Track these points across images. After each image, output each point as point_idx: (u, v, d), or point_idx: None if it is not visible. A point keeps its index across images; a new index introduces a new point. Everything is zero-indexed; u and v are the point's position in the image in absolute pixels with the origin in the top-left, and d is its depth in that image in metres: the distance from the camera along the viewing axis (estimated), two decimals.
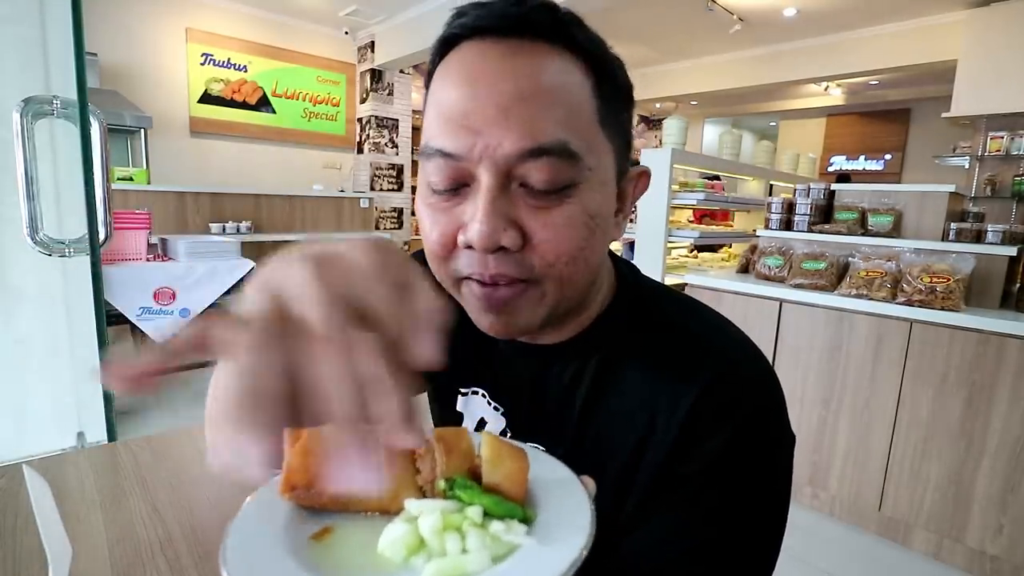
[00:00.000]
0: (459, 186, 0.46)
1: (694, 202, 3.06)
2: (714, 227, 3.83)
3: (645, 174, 0.55)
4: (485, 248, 0.44)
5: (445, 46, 0.48)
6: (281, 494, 0.36)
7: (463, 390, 0.63)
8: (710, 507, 0.47)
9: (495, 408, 0.60)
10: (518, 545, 0.33)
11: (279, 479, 0.37)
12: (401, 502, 0.36)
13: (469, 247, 0.45)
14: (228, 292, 3.16)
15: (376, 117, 6.48)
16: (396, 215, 6.82)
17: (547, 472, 0.39)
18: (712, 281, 2.55)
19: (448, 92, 0.45)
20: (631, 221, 3.17)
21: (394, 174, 6.76)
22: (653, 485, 0.49)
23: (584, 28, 0.47)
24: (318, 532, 0.35)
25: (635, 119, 0.56)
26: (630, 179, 0.54)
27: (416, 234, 7.25)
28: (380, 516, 0.37)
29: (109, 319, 2.33)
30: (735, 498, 0.47)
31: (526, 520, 0.35)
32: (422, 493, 0.37)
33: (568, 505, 0.37)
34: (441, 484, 0.36)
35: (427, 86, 0.50)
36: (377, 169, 6.58)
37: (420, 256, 0.72)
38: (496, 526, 0.33)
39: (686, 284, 2.65)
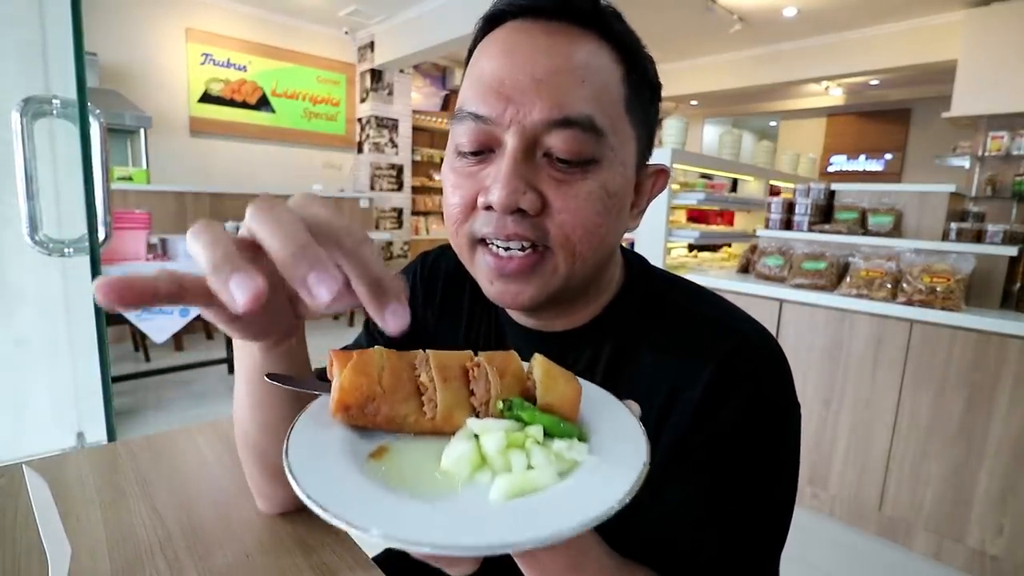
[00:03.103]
0: (485, 151, 0.48)
1: (694, 202, 3.06)
2: (714, 227, 3.83)
3: (664, 172, 0.56)
4: (504, 207, 0.45)
5: (489, 24, 0.50)
6: (333, 414, 0.36)
7: None
8: (728, 471, 0.49)
9: None
10: (580, 462, 0.33)
11: (326, 399, 0.38)
12: (454, 423, 0.36)
13: (488, 208, 0.47)
14: None
15: (376, 117, 6.48)
16: (396, 215, 6.82)
17: (590, 396, 0.39)
18: (712, 281, 2.55)
19: (487, 62, 0.47)
20: None
21: (394, 174, 6.76)
22: (670, 459, 0.50)
23: (621, 20, 0.50)
24: (375, 451, 0.35)
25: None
26: (648, 174, 0.55)
27: (416, 234, 7.27)
28: (433, 437, 0.36)
29: (109, 319, 2.33)
30: (751, 462, 0.49)
31: (582, 439, 0.35)
32: (476, 414, 0.37)
33: (618, 425, 0.37)
34: (499, 405, 0.36)
35: (467, 62, 0.52)
36: (377, 169, 6.58)
37: (418, 261, 0.72)
38: (558, 444, 0.34)
39: None
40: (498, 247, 0.48)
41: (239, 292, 0.27)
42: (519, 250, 0.47)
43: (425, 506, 0.29)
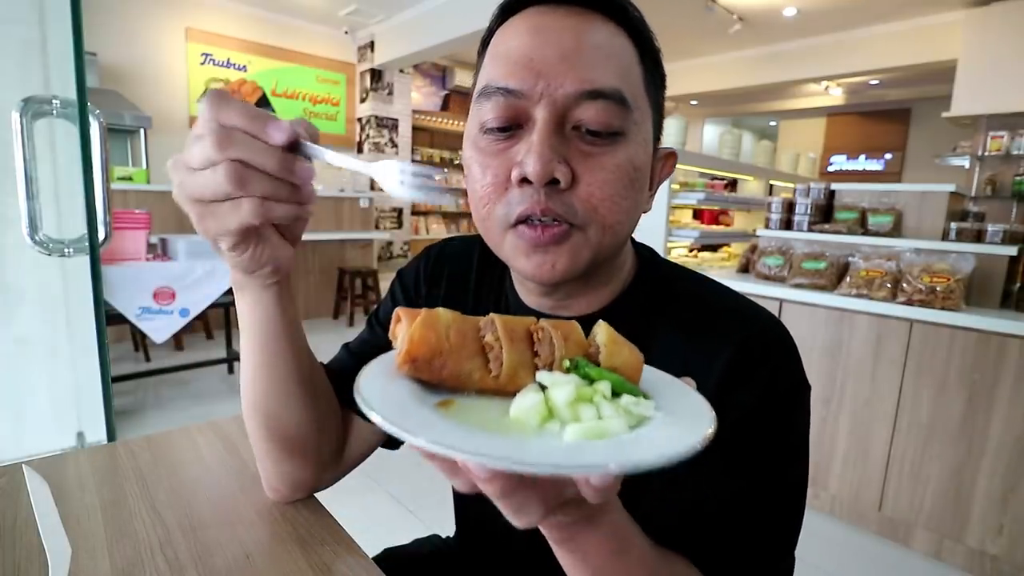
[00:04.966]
0: (513, 127, 0.48)
1: (694, 202, 3.06)
2: (714, 227, 3.84)
3: (672, 155, 0.58)
4: (540, 178, 0.46)
5: (507, 11, 0.51)
6: (399, 367, 0.36)
7: None
8: (747, 455, 0.49)
9: None
10: (649, 417, 0.33)
11: (389, 357, 0.39)
12: (519, 382, 0.36)
13: (523, 181, 0.47)
14: (228, 291, 3.16)
15: (376, 117, 6.48)
16: (396, 215, 6.82)
17: (646, 372, 0.40)
18: None
19: (513, 41, 0.49)
20: None
21: None
22: None
23: (635, 9, 0.52)
24: (441, 402, 0.35)
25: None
26: (659, 158, 0.56)
27: (416, 234, 7.26)
28: (496, 397, 0.37)
29: (109, 319, 2.33)
30: (768, 446, 0.50)
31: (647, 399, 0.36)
32: None
33: (677, 391, 0.38)
34: (565, 363, 0.36)
35: (482, 50, 0.53)
36: None
37: (422, 257, 0.72)
38: (626, 399, 0.34)
39: None
40: (533, 221, 0.49)
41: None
42: (552, 221, 0.48)
43: (502, 436, 0.30)
